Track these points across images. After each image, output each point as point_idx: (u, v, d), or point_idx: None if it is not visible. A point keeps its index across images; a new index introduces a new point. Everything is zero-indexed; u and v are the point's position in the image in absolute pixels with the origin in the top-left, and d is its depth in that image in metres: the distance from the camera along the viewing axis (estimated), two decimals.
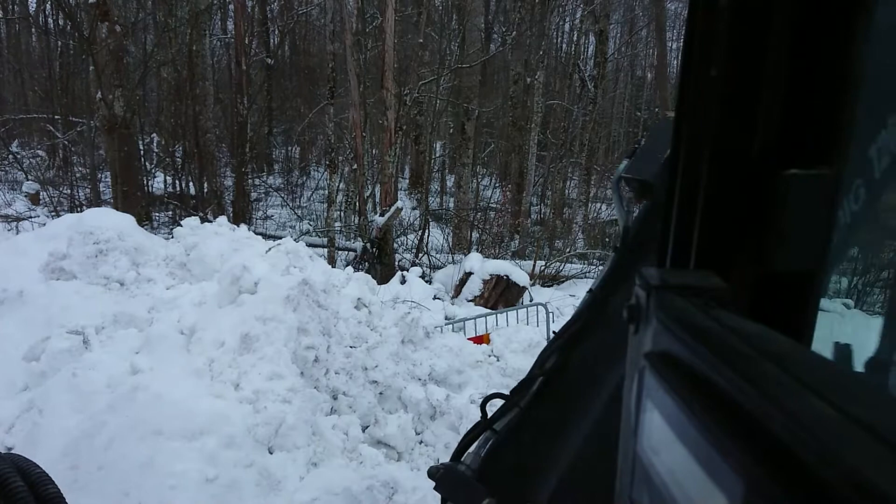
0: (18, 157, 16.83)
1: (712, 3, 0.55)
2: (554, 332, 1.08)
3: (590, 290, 1.07)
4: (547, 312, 8.13)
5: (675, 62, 20.17)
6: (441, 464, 1.03)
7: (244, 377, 4.18)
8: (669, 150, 1.07)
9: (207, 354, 4.33)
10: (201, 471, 3.56)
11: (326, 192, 13.80)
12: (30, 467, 0.78)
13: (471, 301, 9.73)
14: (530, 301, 9.56)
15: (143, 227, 6.76)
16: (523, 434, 1.01)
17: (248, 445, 3.79)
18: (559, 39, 23.48)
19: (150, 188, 15.63)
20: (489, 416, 1.04)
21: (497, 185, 19.44)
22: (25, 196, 14.52)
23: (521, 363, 6.32)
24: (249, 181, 16.54)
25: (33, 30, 20.87)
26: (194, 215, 7.80)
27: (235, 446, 3.74)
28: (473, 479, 1.00)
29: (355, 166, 12.96)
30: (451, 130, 19.95)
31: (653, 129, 1.18)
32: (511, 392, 1.03)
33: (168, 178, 16.59)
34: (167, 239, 6.54)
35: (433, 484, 1.05)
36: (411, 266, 12.21)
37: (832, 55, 0.53)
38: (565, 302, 10.37)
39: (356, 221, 13.98)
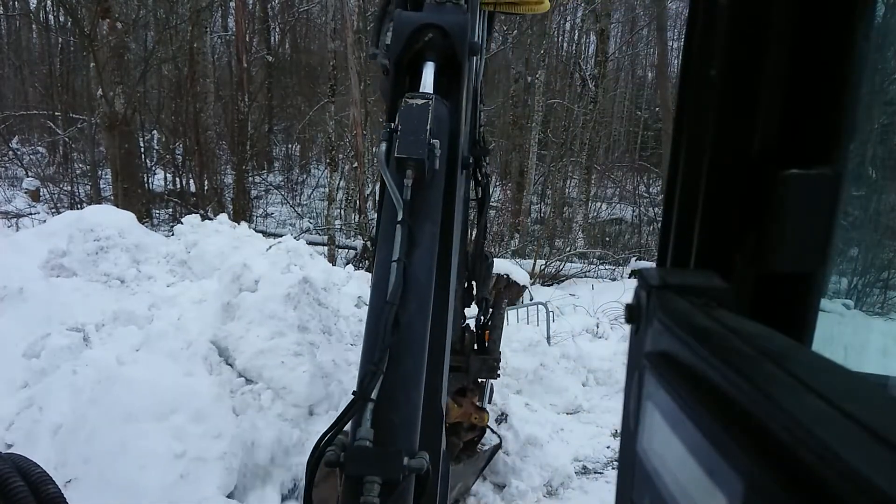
0: (19, 153, 16.83)
1: (712, 3, 0.55)
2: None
3: (398, 259, 1.20)
4: (547, 311, 8.12)
5: (676, 62, 20.15)
6: (332, 448, 1.04)
7: None
8: (427, 129, 1.22)
9: None
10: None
11: (327, 189, 13.80)
12: (30, 467, 0.78)
13: None
14: (530, 300, 9.56)
15: (143, 224, 6.76)
16: (396, 394, 1.12)
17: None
18: (560, 38, 23.43)
19: (151, 185, 15.62)
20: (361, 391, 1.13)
21: (497, 183, 19.42)
22: (25, 193, 14.52)
23: (521, 362, 6.31)
24: (250, 179, 16.53)
25: (34, 26, 20.84)
26: (195, 213, 7.81)
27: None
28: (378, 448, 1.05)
29: (356, 164, 12.96)
30: None
31: (403, 114, 1.28)
32: (373, 364, 1.11)
33: (168, 175, 16.58)
34: (167, 236, 6.55)
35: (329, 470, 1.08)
36: None
37: (832, 55, 0.53)
38: (566, 301, 10.36)
39: (356, 219, 13.98)
